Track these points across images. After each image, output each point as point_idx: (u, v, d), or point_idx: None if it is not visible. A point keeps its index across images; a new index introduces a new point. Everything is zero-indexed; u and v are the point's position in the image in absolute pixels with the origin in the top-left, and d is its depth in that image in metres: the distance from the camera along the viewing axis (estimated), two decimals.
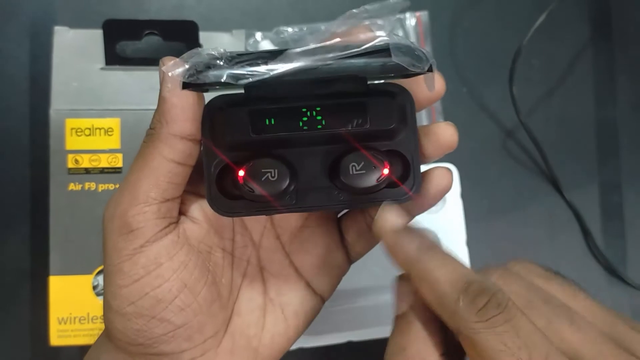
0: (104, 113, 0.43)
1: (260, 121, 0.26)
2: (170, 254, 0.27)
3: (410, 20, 0.52)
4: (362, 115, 0.27)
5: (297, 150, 0.28)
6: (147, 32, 0.44)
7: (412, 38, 0.52)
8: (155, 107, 0.42)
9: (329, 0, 0.53)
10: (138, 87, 0.43)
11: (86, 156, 0.42)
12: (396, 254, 0.26)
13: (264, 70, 0.24)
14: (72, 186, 0.42)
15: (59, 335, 0.42)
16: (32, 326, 0.47)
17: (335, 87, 0.27)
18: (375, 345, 0.47)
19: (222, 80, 0.24)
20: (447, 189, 0.30)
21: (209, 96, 0.28)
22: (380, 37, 0.25)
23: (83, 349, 0.47)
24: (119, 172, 0.43)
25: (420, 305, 0.26)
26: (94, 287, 0.42)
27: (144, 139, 0.27)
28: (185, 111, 0.26)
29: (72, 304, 0.42)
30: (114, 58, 0.43)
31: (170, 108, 0.26)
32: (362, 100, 0.27)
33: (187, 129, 0.26)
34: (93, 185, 0.42)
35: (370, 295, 0.50)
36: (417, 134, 0.28)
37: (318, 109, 0.27)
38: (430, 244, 0.25)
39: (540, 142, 0.53)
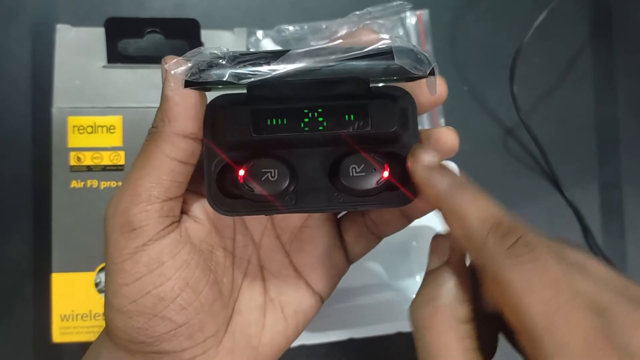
0: (106, 111, 0.43)
1: (261, 121, 0.26)
2: (172, 253, 0.27)
3: (411, 19, 0.52)
4: (364, 118, 0.27)
5: (298, 151, 0.28)
6: (149, 30, 0.44)
7: (413, 37, 0.52)
8: (157, 105, 0.42)
9: None
10: (140, 85, 0.43)
11: (88, 154, 0.42)
12: (429, 189, 0.26)
13: (266, 70, 0.24)
14: (74, 184, 0.42)
15: (61, 332, 0.42)
16: (34, 323, 0.48)
17: (337, 89, 0.27)
18: (377, 342, 0.47)
19: (224, 80, 0.24)
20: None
21: (211, 95, 0.28)
22: (383, 40, 0.25)
23: (85, 346, 0.47)
24: (121, 170, 0.43)
25: (455, 261, 0.27)
26: (96, 284, 0.42)
27: (146, 137, 0.28)
28: (187, 110, 0.26)
29: (74, 301, 0.42)
30: (116, 56, 0.44)
31: (173, 106, 0.26)
32: (364, 103, 0.27)
33: (189, 127, 0.27)
34: (95, 183, 0.43)
35: (371, 293, 0.50)
36: (418, 137, 0.28)
37: (320, 110, 0.27)
38: (462, 181, 0.25)
39: (541, 141, 0.53)
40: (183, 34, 0.45)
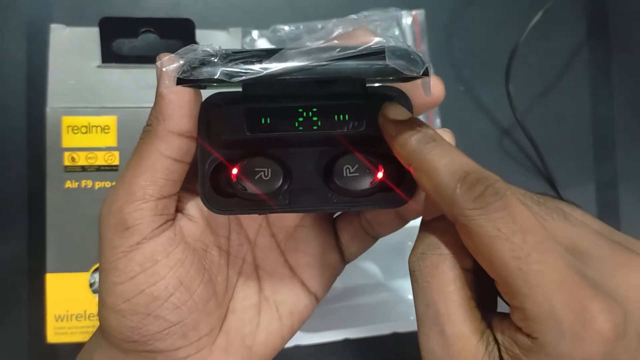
0: (100, 111, 0.43)
1: (255, 120, 0.26)
2: (166, 251, 0.27)
3: (407, 19, 0.52)
4: (359, 118, 0.27)
5: (292, 151, 0.28)
6: (143, 29, 0.44)
7: (409, 37, 0.52)
8: (151, 104, 0.43)
9: None
10: (135, 84, 0.43)
11: (83, 154, 0.42)
12: (398, 145, 0.26)
13: (258, 68, 0.24)
14: (68, 184, 0.42)
15: (55, 333, 0.42)
16: (29, 323, 0.47)
17: (333, 89, 0.27)
18: (372, 343, 0.47)
19: (216, 77, 0.24)
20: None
21: (206, 94, 0.28)
22: (377, 40, 0.25)
23: (80, 346, 0.47)
24: (116, 170, 0.43)
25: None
26: (91, 285, 0.42)
27: (140, 135, 0.27)
28: (182, 108, 0.26)
29: (68, 302, 0.42)
30: (110, 56, 0.43)
31: (167, 104, 0.26)
32: (359, 103, 0.27)
33: (184, 125, 0.26)
34: (90, 183, 0.42)
35: (366, 293, 0.50)
36: None
37: (314, 109, 0.26)
38: (432, 135, 0.25)
39: (537, 141, 0.53)
40: (178, 33, 0.45)
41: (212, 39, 0.45)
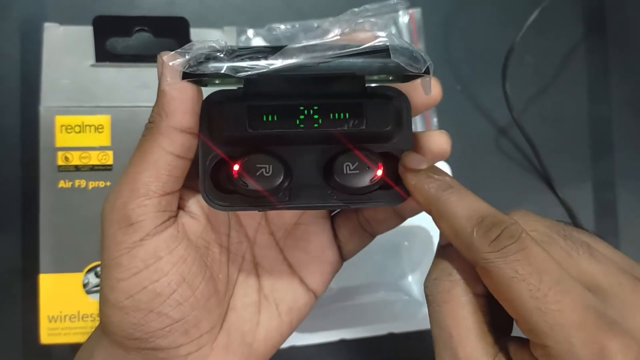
0: (94, 110, 0.42)
1: (257, 117, 0.26)
2: (169, 248, 0.27)
3: (404, 17, 0.52)
4: (359, 116, 0.27)
5: (293, 148, 0.28)
6: (137, 28, 0.44)
7: (405, 35, 0.52)
8: (146, 104, 0.43)
9: None
10: (129, 83, 0.43)
11: (76, 153, 0.42)
12: (418, 194, 0.27)
13: (263, 64, 0.24)
14: (62, 183, 0.42)
15: (49, 334, 0.42)
16: (22, 324, 0.47)
17: (333, 88, 0.27)
18: (368, 343, 0.47)
19: (222, 72, 0.24)
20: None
21: (207, 91, 0.28)
22: (380, 38, 0.25)
23: (74, 347, 0.47)
24: (109, 170, 0.42)
25: None
26: (85, 285, 0.42)
27: (143, 132, 0.27)
28: (184, 104, 0.26)
29: (62, 302, 0.42)
30: (104, 55, 0.43)
31: (170, 101, 0.26)
32: (359, 102, 0.27)
33: (186, 121, 0.27)
34: (83, 183, 0.42)
35: (363, 294, 0.50)
36: (412, 137, 0.29)
37: (315, 107, 0.27)
38: (449, 183, 0.26)
39: (534, 140, 0.53)
40: (172, 32, 0.44)
41: (207, 38, 0.44)
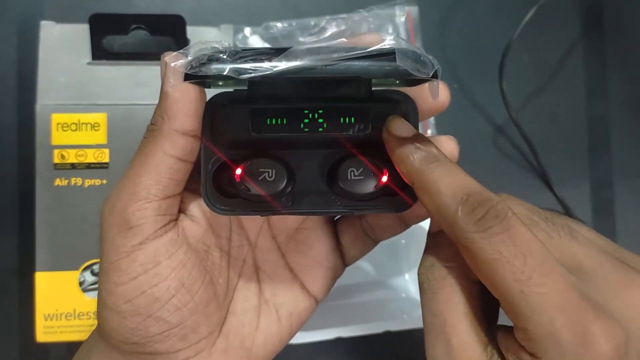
0: (90, 108, 0.42)
1: (261, 120, 0.26)
2: (169, 252, 0.27)
3: (400, 16, 0.52)
4: (364, 121, 0.26)
5: (297, 152, 0.27)
6: (134, 26, 0.44)
7: (402, 34, 0.52)
8: (142, 101, 0.43)
9: None
10: (125, 82, 0.43)
11: (72, 151, 0.42)
12: (401, 163, 0.26)
13: (267, 66, 0.23)
14: (58, 181, 0.42)
15: (45, 332, 0.42)
16: (18, 322, 0.47)
17: (339, 91, 0.27)
18: (364, 341, 0.47)
19: (225, 74, 0.23)
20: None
21: (210, 92, 0.28)
22: (387, 41, 0.24)
23: (69, 345, 0.47)
24: (106, 168, 0.42)
25: None
26: (81, 284, 0.42)
27: (144, 134, 0.27)
28: (187, 106, 0.26)
29: (58, 301, 0.42)
30: (100, 53, 0.43)
31: (173, 103, 0.26)
32: (365, 106, 0.27)
33: (189, 124, 0.26)
34: (79, 181, 0.42)
35: (359, 292, 0.50)
36: None
37: (320, 111, 0.26)
38: (435, 155, 0.25)
39: (531, 138, 0.53)
40: (168, 30, 0.44)
41: (203, 36, 0.44)
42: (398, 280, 0.50)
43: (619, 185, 0.55)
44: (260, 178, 0.26)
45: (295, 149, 0.27)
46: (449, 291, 0.25)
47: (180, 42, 0.44)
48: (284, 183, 0.26)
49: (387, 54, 0.24)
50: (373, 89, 0.27)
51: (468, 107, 0.54)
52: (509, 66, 0.52)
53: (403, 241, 0.50)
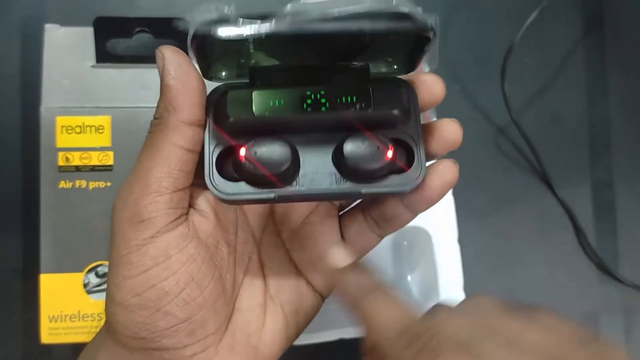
0: (94, 111, 0.43)
1: (264, 102, 0.27)
2: (180, 246, 0.27)
3: None
4: (366, 99, 0.27)
5: (301, 135, 0.28)
6: (138, 29, 0.44)
7: None
8: (146, 104, 0.43)
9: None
10: (129, 84, 0.43)
11: (77, 154, 0.42)
12: (342, 292, 0.27)
13: (271, 23, 0.23)
14: (62, 184, 0.42)
15: (49, 333, 0.42)
16: (23, 324, 0.47)
17: (339, 77, 0.28)
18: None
19: (236, 33, 0.23)
20: (453, 182, 0.29)
21: (209, 87, 0.28)
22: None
23: (74, 347, 0.47)
24: (110, 170, 0.42)
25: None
26: (85, 285, 0.42)
27: (149, 129, 0.27)
28: (192, 96, 0.26)
29: (62, 302, 0.42)
30: (104, 56, 0.43)
31: (177, 95, 0.26)
32: (366, 86, 0.27)
33: (194, 114, 0.27)
34: (84, 183, 0.42)
35: None
36: (420, 124, 0.28)
37: (322, 92, 0.27)
38: (374, 285, 0.26)
39: (532, 140, 0.53)
40: (172, 33, 0.44)
41: None
42: (400, 281, 0.50)
43: (620, 186, 0.55)
44: (264, 155, 0.26)
45: (300, 131, 0.27)
46: None
47: (184, 45, 0.44)
48: (289, 161, 0.26)
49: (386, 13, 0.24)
50: (372, 78, 0.28)
51: (470, 108, 0.54)
52: (511, 68, 0.52)
53: (405, 243, 0.50)
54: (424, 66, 0.49)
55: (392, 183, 0.28)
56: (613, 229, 0.55)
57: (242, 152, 0.26)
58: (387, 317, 0.25)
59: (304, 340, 0.45)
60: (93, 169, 0.42)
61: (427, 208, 0.30)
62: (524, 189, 0.54)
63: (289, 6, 0.24)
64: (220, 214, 0.30)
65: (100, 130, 0.42)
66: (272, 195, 0.27)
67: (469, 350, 0.23)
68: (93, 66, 0.43)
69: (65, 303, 0.42)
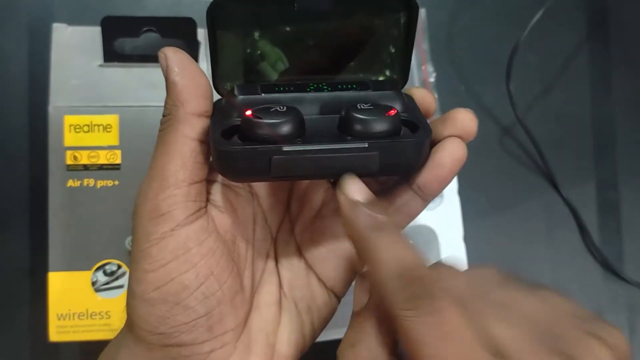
0: (102, 110, 0.43)
1: (269, 88, 0.28)
2: (199, 239, 0.27)
3: None
4: (365, 87, 0.29)
5: (306, 104, 0.28)
6: (145, 29, 0.44)
7: None
8: (154, 103, 0.43)
9: None
10: (136, 83, 0.43)
11: (85, 153, 0.42)
12: (348, 226, 0.26)
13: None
14: (70, 183, 0.42)
15: (58, 331, 0.42)
16: (31, 322, 0.47)
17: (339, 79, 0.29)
18: None
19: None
20: (463, 158, 0.29)
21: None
22: None
23: (82, 345, 0.47)
24: (118, 169, 0.43)
25: (374, 304, 0.26)
26: (93, 284, 0.42)
27: (159, 128, 0.28)
28: (197, 89, 0.27)
29: (71, 300, 0.42)
30: (112, 55, 0.44)
31: (183, 89, 0.27)
32: (364, 80, 0.29)
33: (202, 105, 0.27)
34: (92, 182, 0.43)
35: None
36: (420, 111, 0.29)
37: (323, 84, 0.28)
38: (383, 222, 0.25)
39: (537, 139, 0.53)
40: (179, 32, 0.45)
41: None
42: None
43: (625, 185, 0.55)
44: (271, 110, 0.26)
45: (304, 102, 0.28)
46: None
47: (191, 44, 0.44)
48: (297, 117, 0.26)
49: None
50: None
51: (475, 108, 0.54)
52: (516, 68, 0.52)
53: (411, 241, 0.50)
54: (414, 81, 0.49)
55: (398, 138, 0.27)
56: (617, 228, 0.55)
57: (249, 112, 0.26)
58: (393, 255, 0.24)
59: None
60: (101, 167, 0.43)
61: (439, 190, 0.30)
62: (528, 188, 0.54)
63: None
64: (239, 209, 0.30)
65: (108, 129, 0.43)
66: (277, 154, 0.26)
67: (464, 305, 0.23)
68: (101, 65, 0.43)
69: (74, 301, 0.42)
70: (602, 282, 0.54)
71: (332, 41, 0.30)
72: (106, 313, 0.42)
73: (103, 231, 0.43)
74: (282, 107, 0.26)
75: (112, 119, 0.43)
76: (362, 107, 0.27)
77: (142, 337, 0.28)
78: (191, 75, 0.27)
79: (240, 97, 0.28)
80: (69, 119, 0.42)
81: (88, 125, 0.42)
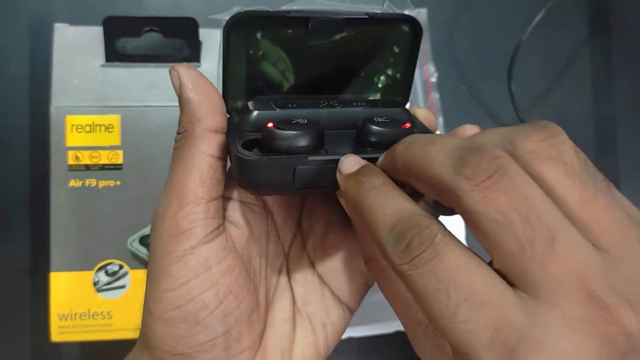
0: (104, 110, 0.43)
1: (283, 104, 0.29)
2: (219, 257, 0.27)
3: None
4: (374, 103, 0.30)
5: (322, 118, 0.28)
6: (147, 29, 0.44)
7: None
8: (155, 103, 0.43)
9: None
10: (138, 83, 0.43)
11: (87, 153, 0.42)
12: (345, 198, 0.25)
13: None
14: (72, 183, 0.42)
15: (59, 332, 0.42)
16: (33, 322, 0.48)
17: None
18: (375, 341, 0.47)
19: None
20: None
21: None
22: None
23: (83, 345, 0.47)
24: (120, 169, 0.43)
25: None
26: (95, 284, 0.42)
27: (174, 146, 0.28)
28: (212, 106, 0.27)
29: (72, 301, 0.42)
30: (114, 55, 0.44)
31: (198, 106, 0.27)
32: (375, 99, 0.30)
33: (218, 121, 0.27)
34: (94, 182, 0.42)
35: (370, 292, 0.50)
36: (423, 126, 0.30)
37: (334, 102, 0.29)
38: (374, 184, 0.24)
39: None
40: (181, 32, 0.45)
41: (216, 38, 0.45)
42: None
43: (626, 185, 0.55)
44: (293, 122, 0.27)
45: (319, 118, 0.28)
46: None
47: (192, 44, 0.44)
48: (317, 126, 0.26)
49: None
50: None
51: (476, 108, 0.54)
52: (518, 68, 0.52)
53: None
54: (415, 81, 0.50)
55: None
56: None
57: (270, 124, 0.26)
58: (383, 212, 0.22)
59: None
60: (103, 167, 0.42)
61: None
62: None
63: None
64: (254, 226, 0.30)
65: (110, 129, 0.43)
66: (299, 160, 0.26)
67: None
68: (102, 65, 0.43)
69: (75, 301, 0.42)
70: None
71: (340, 61, 0.30)
72: (108, 313, 0.42)
73: (105, 231, 0.42)
74: (303, 120, 0.27)
75: (114, 119, 0.43)
76: (379, 120, 0.27)
77: (160, 358, 0.27)
78: (205, 91, 0.27)
79: (256, 112, 0.28)
80: (71, 119, 0.42)
81: (90, 125, 0.42)
